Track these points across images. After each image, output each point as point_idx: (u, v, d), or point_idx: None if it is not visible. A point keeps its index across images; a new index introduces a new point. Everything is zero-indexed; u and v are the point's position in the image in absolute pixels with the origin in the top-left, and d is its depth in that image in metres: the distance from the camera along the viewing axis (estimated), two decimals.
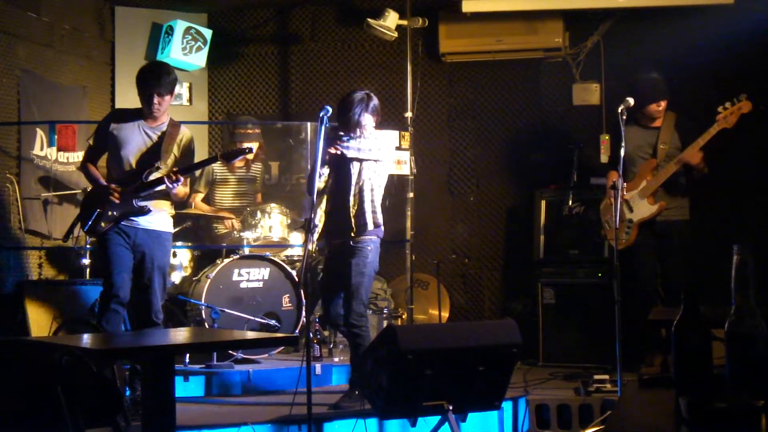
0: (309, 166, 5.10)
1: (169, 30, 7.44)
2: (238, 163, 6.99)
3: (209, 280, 6.02)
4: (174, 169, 4.90)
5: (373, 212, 4.87)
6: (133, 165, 4.95)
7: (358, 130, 4.84)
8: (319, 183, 4.87)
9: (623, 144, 5.10)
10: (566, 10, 6.92)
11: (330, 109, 4.65)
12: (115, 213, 4.88)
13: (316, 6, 7.72)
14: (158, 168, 4.93)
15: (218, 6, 7.79)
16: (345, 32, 7.71)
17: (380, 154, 4.90)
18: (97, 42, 7.46)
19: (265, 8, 7.83)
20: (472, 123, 7.49)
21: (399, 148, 6.73)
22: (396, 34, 6.89)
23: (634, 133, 5.73)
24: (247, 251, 6.25)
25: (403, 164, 6.73)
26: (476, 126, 7.48)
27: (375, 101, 4.92)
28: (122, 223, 4.92)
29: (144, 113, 4.99)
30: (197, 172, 7.03)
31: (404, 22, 6.87)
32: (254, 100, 7.90)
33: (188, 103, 7.74)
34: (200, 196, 7.00)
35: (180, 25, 7.37)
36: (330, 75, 7.64)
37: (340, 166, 4.86)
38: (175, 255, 6.57)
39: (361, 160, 4.81)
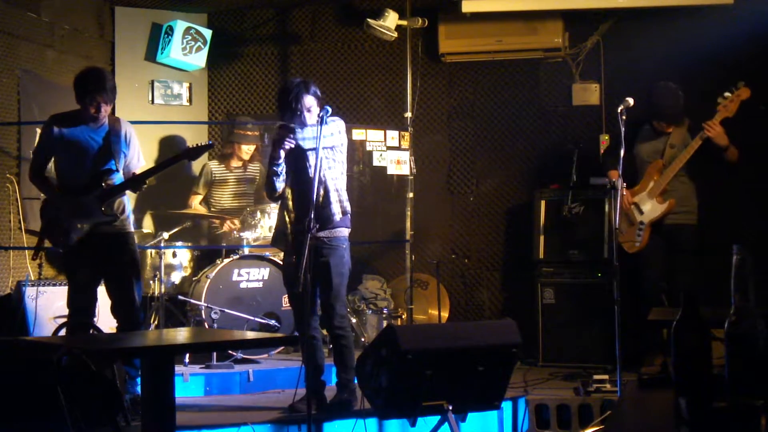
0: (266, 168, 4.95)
1: (169, 30, 7.44)
2: (235, 163, 6.99)
3: (209, 280, 6.02)
4: (137, 176, 4.88)
5: (340, 201, 4.77)
6: (86, 170, 4.86)
7: (302, 114, 4.70)
8: (280, 183, 4.77)
9: (623, 145, 5.10)
10: (566, 10, 6.92)
11: (330, 109, 4.63)
12: (84, 225, 4.82)
13: (316, 6, 7.71)
14: (116, 171, 4.88)
15: (218, 6, 7.79)
16: (345, 32, 7.71)
17: (334, 140, 4.75)
18: (97, 42, 7.45)
19: (265, 8, 7.83)
20: (471, 123, 7.49)
21: (399, 148, 6.73)
22: (396, 35, 6.89)
23: (649, 139, 5.79)
24: (246, 251, 6.24)
25: (403, 164, 6.74)
26: (476, 126, 7.48)
27: (314, 87, 4.79)
28: (90, 232, 4.85)
29: (85, 117, 4.88)
30: (196, 172, 7.05)
31: (404, 23, 6.87)
32: (254, 100, 7.90)
33: (188, 103, 7.74)
34: (199, 198, 6.99)
35: (180, 25, 7.37)
36: (330, 75, 7.64)
37: (297, 161, 4.73)
38: (175, 255, 6.57)
39: (315, 149, 4.55)
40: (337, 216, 4.75)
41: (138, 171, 5.02)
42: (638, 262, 5.80)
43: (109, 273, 4.95)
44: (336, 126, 4.80)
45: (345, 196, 4.83)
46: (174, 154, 5.19)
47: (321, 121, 4.54)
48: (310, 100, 4.74)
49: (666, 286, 5.73)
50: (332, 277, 4.75)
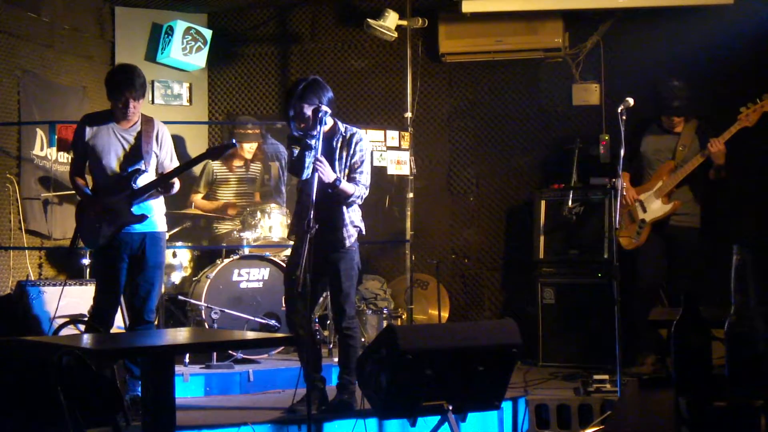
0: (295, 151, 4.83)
1: (169, 30, 7.45)
2: (237, 162, 6.99)
3: (209, 280, 6.02)
4: (164, 175, 4.85)
5: (352, 223, 4.80)
6: (116, 171, 4.85)
7: (293, 122, 4.67)
8: (307, 170, 4.66)
9: (623, 145, 5.10)
10: (566, 10, 6.92)
11: (328, 111, 4.61)
12: (113, 225, 4.81)
13: (316, 6, 7.71)
14: (144, 171, 4.85)
15: (218, 6, 7.79)
16: (345, 32, 7.71)
17: (367, 173, 4.77)
18: (97, 42, 7.46)
19: (265, 8, 7.83)
20: (472, 123, 7.49)
21: (399, 148, 6.73)
22: (396, 35, 6.89)
23: (655, 137, 5.79)
24: (246, 251, 6.24)
25: (403, 164, 6.74)
26: (476, 126, 7.48)
27: (314, 95, 4.63)
28: (120, 231, 4.84)
29: (116, 117, 4.88)
30: (197, 172, 7.04)
31: (404, 23, 6.87)
32: (254, 100, 7.90)
33: (188, 103, 7.74)
34: (200, 196, 6.99)
35: (180, 25, 7.37)
36: (330, 75, 7.63)
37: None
38: (175, 255, 6.57)
39: (315, 149, 4.52)
40: (352, 230, 4.77)
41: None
42: (635, 261, 5.80)
43: (133, 272, 4.91)
44: (360, 146, 4.78)
45: (359, 217, 4.84)
46: (198, 154, 5.17)
47: (320, 122, 4.53)
48: (305, 108, 4.63)
49: (663, 283, 5.73)
50: (342, 280, 4.77)
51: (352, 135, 4.80)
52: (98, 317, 4.89)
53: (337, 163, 4.73)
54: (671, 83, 5.72)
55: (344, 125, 4.85)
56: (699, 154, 5.58)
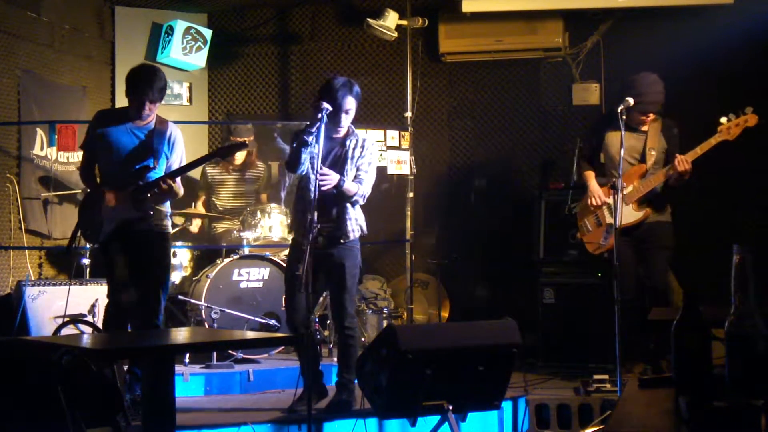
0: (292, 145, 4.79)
1: (169, 30, 7.45)
2: (234, 164, 6.95)
3: (209, 280, 6.02)
4: (169, 173, 4.82)
5: (356, 219, 4.83)
6: (126, 167, 4.82)
7: (340, 114, 4.67)
8: (303, 165, 4.70)
9: (622, 146, 5.04)
10: (566, 10, 6.93)
11: (330, 108, 4.61)
12: (117, 219, 4.79)
13: (316, 6, 7.72)
14: (153, 168, 4.83)
15: (218, 6, 7.80)
16: (345, 32, 7.72)
17: (372, 173, 4.82)
18: (97, 42, 7.46)
19: (265, 8, 7.84)
20: (472, 123, 7.49)
21: (399, 148, 6.73)
22: (396, 34, 6.90)
23: (618, 136, 5.23)
24: (247, 251, 6.25)
25: (403, 164, 6.74)
26: (476, 126, 7.48)
27: (357, 88, 4.79)
28: (123, 227, 4.82)
29: (131, 116, 4.85)
30: (196, 176, 7.02)
31: (404, 22, 6.88)
32: (254, 100, 7.91)
33: (188, 103, 7.74)
34: (201, 200, 7.00)
35: (180, 25, 7.37)
36: (330, 75, 7.62)
37: (333, 168, 4.71)
38: (175, 255, 6.57)
39: (315, 149, 4.56)
40: (355, 225, 4.79)
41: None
42: (612, 269, 5.52)
43: (136, 270, 4.88)
44: (370, 150, 4.86)
45: (362, 215, 4.87)
46: (206, 154, 5.13)
47: (320, 121, 4.53)
48: (351, 102, 4.73)
49: (647, 285, 5.57)
50: (347, 278, 4.78)
51: (365, 140, 4.91)
52: (116, 316, 4.83)
53: (349, 161, 4.79)
54: (648, 78, 5.48)
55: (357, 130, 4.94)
56: (663, 171, 5.28)
